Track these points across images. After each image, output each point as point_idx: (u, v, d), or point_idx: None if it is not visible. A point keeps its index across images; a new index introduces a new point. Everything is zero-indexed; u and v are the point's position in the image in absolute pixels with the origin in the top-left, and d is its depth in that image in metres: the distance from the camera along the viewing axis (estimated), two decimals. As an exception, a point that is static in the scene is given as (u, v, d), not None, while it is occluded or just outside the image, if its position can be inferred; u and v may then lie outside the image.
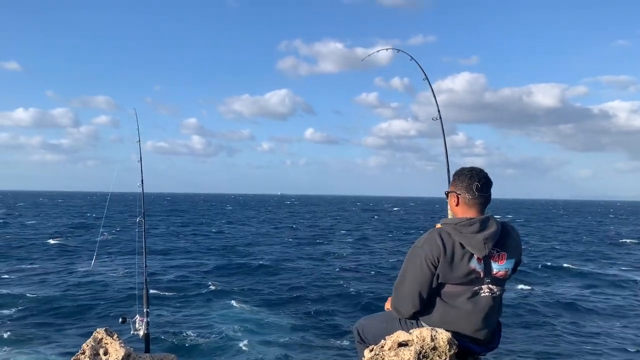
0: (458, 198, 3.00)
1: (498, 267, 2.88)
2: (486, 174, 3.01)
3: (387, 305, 3.24)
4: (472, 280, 2.85)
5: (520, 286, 20.12)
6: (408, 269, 2.95)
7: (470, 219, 2.88)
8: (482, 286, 2.87)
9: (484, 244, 2.80)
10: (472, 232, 2.82)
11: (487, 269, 2.86)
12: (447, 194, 3.11)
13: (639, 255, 32.38)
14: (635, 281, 22.34)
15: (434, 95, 4.79)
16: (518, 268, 3.04)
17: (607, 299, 18.82)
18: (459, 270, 2.83)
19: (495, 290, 2.90)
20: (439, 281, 2.89)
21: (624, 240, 41.95)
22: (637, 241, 40.71)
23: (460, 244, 2.83)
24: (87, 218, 62.25)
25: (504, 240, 2.91)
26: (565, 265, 26.46)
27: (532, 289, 19.84)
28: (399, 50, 5.37)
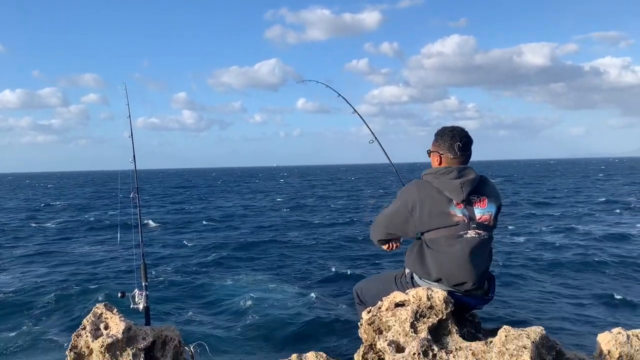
0: (440, 157, 3.14)
1: (481, 212, 2.99)
2: (467, 132, 3.14)
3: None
4: (456, 225, 2.94)
5: (514, 238, 20.37)
6: (388, 208, 3.19)
7: (449, 167, 3.04)
8: (469, 231, 2.96)
9: (461, 187, 2.93)
10: (450, 179, 2.96)
11: (471, 214, 2.97)
12: (429, 153, 3.24)
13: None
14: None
15: (366, 123, 4.80)
16: (499, 215, 3.13)
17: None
18: (438, 215, 2.95)
19: (483, 233, 2.99)
20: (421, 230, 3.03)
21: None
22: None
23: (438, 189, 2.96)
24: (82, 198, 62.14)
25: (483, 187, 3.04)
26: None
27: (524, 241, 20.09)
28: (327, 86, 5.54)
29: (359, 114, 4.98)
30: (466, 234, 2.95)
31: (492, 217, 3.02)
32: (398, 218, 3.08)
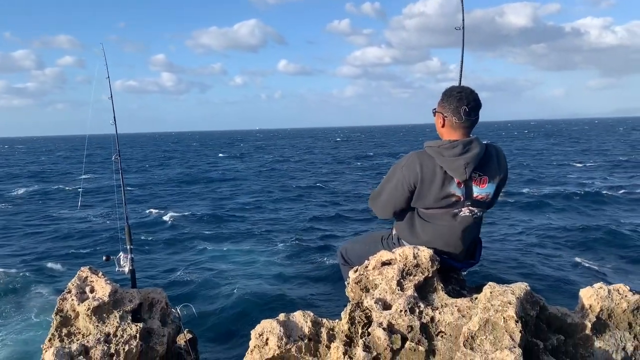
0: (444, 120, 2.94)
1: (479, 191, 2.90)
2: (477, 95, 2.93)
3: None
4: (452, 203, 2.89)
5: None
6: (386, 184, 3.04)
7: (453, 141, 2.86)
8: (463, 208, 2.91)
9: (465, 167, 2.80)
10: (454, 156, 2.81)
11: (468, 192, 2.88)
12: (434, 112, 3.04)
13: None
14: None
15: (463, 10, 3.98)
16: (502, 192, 3.07)
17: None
18: (438, 194, 2.86)
19: (476, 211, 2.95)
20: (418, 205, 2.96)
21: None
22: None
23: (441, 167, 2.83)
24: (61, 163, 61.37)
25: (487, 164, 2.90)
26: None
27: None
28: None
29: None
30: (460, 212, 2.91)
31: (489, 197, 2.94)
32: (399, 196, 2.97)
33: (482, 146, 2.88)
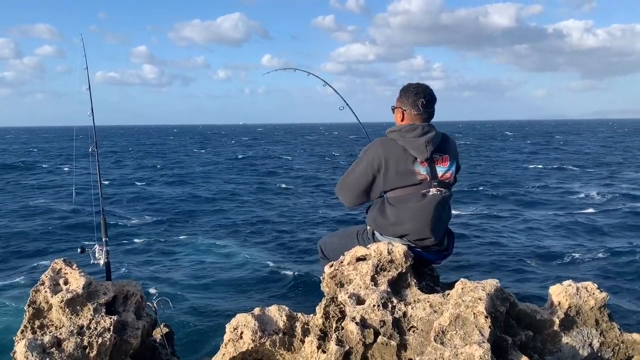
0: (403, 113, 3.14)
1: (443, 170, 3.04)
2: (432, 90, 3.14)
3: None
4: (418, 183, 2.99)
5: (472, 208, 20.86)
6: (354, 168, 3.16)
7: (413, 124, 3.05)
8: (430, 189, 3.01)
9: (426, 146, 2.95)
10: (415, 137, 2.98)
11: (433, 172, 3.02)
12: (393, 109, 3.24)
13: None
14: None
15: (342, 97, 4.66)
16: (458, 173, 3.20)
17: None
18: (403, 174, 2.98)
19: (444, 191, 3.05)
20: (385, 188, 3.05)
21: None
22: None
23: (403, 148, 2.97)
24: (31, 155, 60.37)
25: (445, 145, 3.08)
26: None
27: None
28: (295, 69, 5.64)
29: (334, 88, 4.77)
30: (429, 192, 2.99)
31: (452, 175, 3.08)
32: (365, 179, 3.06)
33: (438, 131, 3.08)
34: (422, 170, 2.98)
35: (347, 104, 4.59)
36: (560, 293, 2.81)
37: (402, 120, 3.14)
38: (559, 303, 2.79)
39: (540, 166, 37.26)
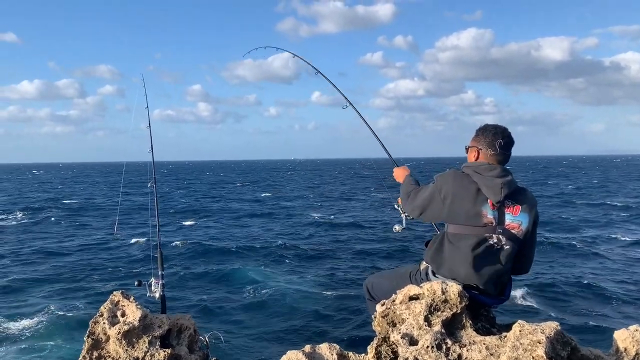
0: (479, 152, 3.01)
1: (511, 218, 2.88)
2: (510, 133, 3.02)
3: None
4: (483, 225, 2.86)
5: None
6: (422, 191, 3.10)
7: (491, 164, 2.93)
8: (493, 234, 2.87)
9: (501, 188, 2.82)
10: (492, 176, 2.86)
11: (501, 218, 2.87)
12: (467, 148, 3.12)
13: None
14: None
15: (336, 87, 4.90)
16: (537, 229, 3.02)
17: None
18: (469, 210, 2.86)
19: (504, 242, 2.88)
20: (448, 221, 2.96)
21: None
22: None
23: (476, 185, 2.86)
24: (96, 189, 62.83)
25: (519, 195, 2.92)
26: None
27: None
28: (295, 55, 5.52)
29: (326, 78, 4.96)
30: (491, 237, 2.86)
31: (521, 227, 2.90)
32: (431, 202, 3.00)
33: (515, 179, 2.92)
34: (489, 214, 2.84)
35: (350, 103, 4.69)
36: (627, 338, 2.66)
37: (476, 160, 3.02)
38: (625, 349, 2.64)
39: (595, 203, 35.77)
